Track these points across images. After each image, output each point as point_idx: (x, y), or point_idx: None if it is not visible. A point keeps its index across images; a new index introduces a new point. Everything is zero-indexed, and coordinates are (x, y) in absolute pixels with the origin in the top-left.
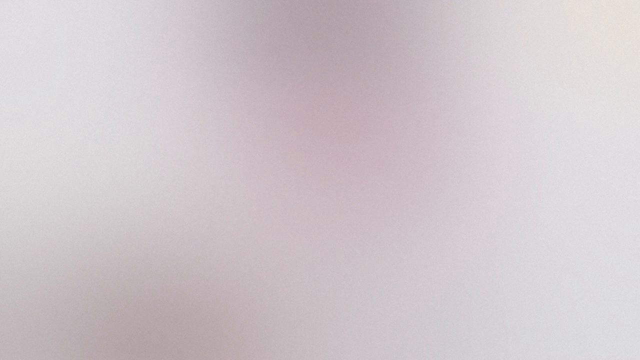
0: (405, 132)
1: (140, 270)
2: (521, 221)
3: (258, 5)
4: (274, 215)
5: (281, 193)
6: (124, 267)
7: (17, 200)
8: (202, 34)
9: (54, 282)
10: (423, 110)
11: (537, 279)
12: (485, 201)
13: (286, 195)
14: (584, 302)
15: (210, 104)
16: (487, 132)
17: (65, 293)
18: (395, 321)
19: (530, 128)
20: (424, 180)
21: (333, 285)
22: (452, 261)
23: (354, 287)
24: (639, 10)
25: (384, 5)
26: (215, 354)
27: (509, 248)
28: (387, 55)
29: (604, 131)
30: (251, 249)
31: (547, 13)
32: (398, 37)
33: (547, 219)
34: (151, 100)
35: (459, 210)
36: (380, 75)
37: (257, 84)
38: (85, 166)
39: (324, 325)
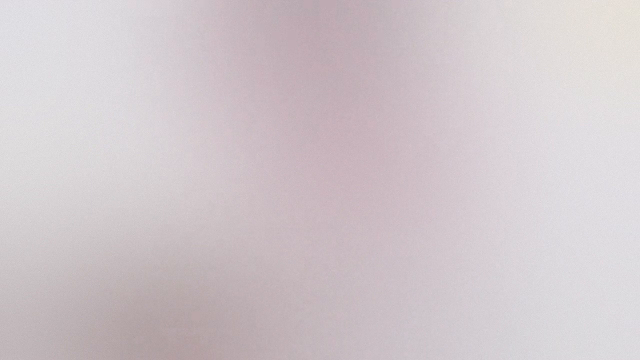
0: (406, 133)
1: (140, 270)
2: (521, 221)
3: (258, 5)
4: (274, 215)
5: (281, 193)
6: (124, 267)
7: (17, 200)
8: (202, 34)
9: (54, 282)
10: (423, 111)
11: (537, 279)
12: (485, 201)
13: (286, 195)
14: (584, 302)
15: (211, 104)
16: (487, 132)
17: (65, 293)
18: (395, 321)
19: (530, 128)
20: (424, 180)
21: (333, 285)
22: (452, 261)
23: (354, 287)
24: (639, 10)
25: (384, 5)
26: (215, 354)
27: (509, 248)
28: (388, 55)
29: (604, 131)
30: (251, 249)
31: (547, 13)
32: (399, 37)
33: (547, 219)
34: (151, 100)
35: (459, 211)
36: (381, 76)
37: (258, 84)
38: (85, 166)
39: (324, 325)
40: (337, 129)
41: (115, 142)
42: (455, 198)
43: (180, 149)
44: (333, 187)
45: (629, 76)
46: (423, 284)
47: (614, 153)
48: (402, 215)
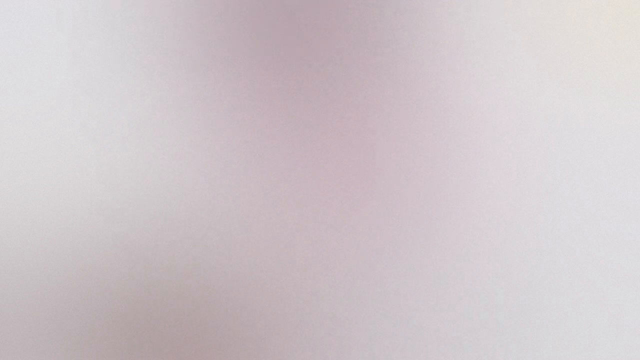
0: (406, 133)
1: (140, 270)
2: (521, 221)
3: (259, 5)
4: (275, 215)
5: (281, 193)
6: (124, 267)
7: (17, 200)
8: (202, 33)
9: (54, 282)
10: (423, 111)
11: (537, 279)
12: (485, 201)
13: (287, 195)
14: (584, 302)
15: (211, 104)
16: (487, 132)
17: (65, 293)
18: (395, 321)
19: (530, 128)
20: (424, 180)
21: (333, 285)
22: (452, 261)
23: (354, 287)
24: (639, 10)
25: (385, 5)
26: (215, 354)
27: (509, 248)
28: (388, 55)
29: (604, 131)
30: (251, 248)
31: (547, 13)
32: (399, 37)
33: (547, 219)
34: (152, 100)
35: (459, 211)
36: (381, 76)
37: (258, 84)
38: (85, 166)
39: (324, 325)
40: (338, 129)
41: (115, 142)
42: (455, 198)
43: (180, 149)
44: (333, 187)
45: (629, 76)
46: (423, 284)
47: (614, 153)
48: (402, 215)
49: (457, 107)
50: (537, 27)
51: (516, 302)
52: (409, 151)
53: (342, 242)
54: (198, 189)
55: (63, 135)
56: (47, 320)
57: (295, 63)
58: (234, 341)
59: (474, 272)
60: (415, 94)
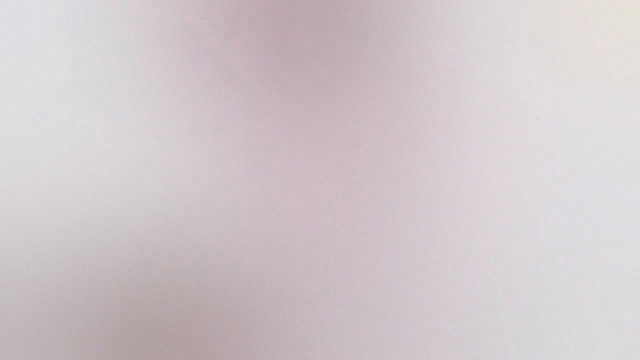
0: (406, 133)
1: (140, 270)
2: (521, 221)
3: (259, 5)
4: (275, 215)
5: (281, 193)
6: (124, 267)
7: (17, 200)
8: (202, 33)
9: (54, 282)
10: (423, 111)
11: (537, 279)
12: (485, 201)
13: (287, 194)
14: (584, 302)
15: (211, 104)
16: (487, 132)
17: (65, 293)
18: (395, 321)
19: (530, 128)
20: (424, 181)
21: (333, 285)
22: (452, 261)
23: (354, 287)
24: (639, 10)
25: (385, 5)
26: (215, 354)
27: (509, 248)
28: (388, 55)
29: (604, 131)
30: (251, 249)
31: (547, 13)
32: (398, 37)
33: (547, 219)
34: (151, 100)
35: (459, 211)
36: (382, 76)
37: (258, 84)
38: (85, 166)
39: (324, 325)
40: (338, 128)
41: (115, 142)
42: (455, 198)
43: (180, 148)
44: (333, 187)
45: (629, 76)
46: (423, 284)
47: (614, 153)
48: (402, 215)
49: (457, 107)
50: (537, 27)
51: (516, 302)
52: (409, 151)
53: (342, 242)
54: (198, 189)
55: (63, 135)
56: (47, 320)
57: (295, 63)
58: (234, 341)
59: (474, 272)
60: (415, 94)
